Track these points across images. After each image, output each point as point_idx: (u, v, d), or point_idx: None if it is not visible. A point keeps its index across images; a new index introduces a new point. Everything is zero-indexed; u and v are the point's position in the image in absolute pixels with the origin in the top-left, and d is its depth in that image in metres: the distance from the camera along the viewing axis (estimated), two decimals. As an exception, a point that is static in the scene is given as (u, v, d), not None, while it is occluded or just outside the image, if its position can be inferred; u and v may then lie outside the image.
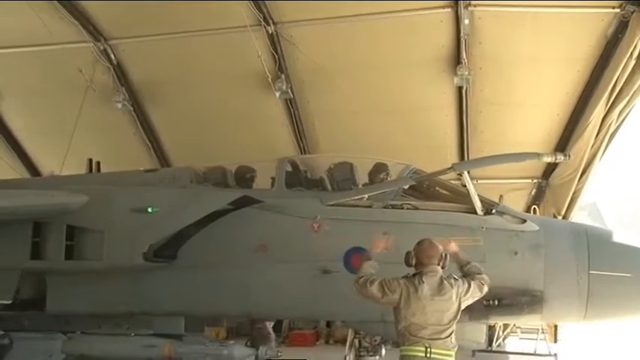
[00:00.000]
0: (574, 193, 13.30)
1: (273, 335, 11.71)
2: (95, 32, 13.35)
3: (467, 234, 6.95)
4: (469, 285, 5.71)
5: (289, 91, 13.29)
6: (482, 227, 7.01)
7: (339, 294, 7.02)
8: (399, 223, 7.25)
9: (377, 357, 7.90)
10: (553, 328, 7.50)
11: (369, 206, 7.47)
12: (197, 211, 7.56)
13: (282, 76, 13.06)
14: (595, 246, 6.90)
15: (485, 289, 5.82)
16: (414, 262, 5.73)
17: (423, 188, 7.89)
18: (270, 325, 12.16)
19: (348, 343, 8.29)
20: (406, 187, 7.72)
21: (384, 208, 7.45)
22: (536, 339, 13.71)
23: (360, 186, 8.03)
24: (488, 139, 13.54)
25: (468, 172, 7.36)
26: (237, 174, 8.65)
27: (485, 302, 6.75)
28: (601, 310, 6.86)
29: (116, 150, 14.69)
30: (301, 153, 14.41)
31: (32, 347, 7.74)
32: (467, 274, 5.88)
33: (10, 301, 8.01)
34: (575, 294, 6.74)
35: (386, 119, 13.63)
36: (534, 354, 13.63)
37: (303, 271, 7.35)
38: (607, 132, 12.23)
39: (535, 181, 14.65)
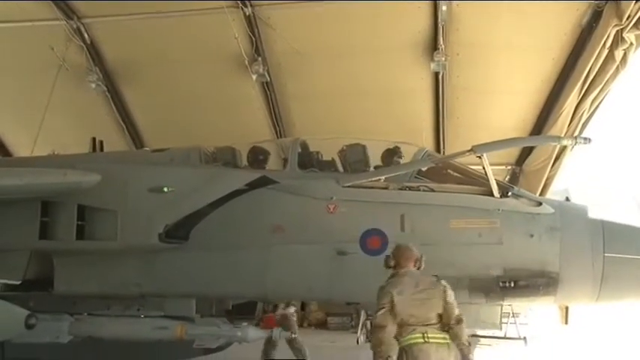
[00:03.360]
0: (547, 180, 13.49)
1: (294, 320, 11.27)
2: (68, 10, 13.04)
3: (484, 216, 6.94)
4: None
5: (266, 74, 13.23)
6: (499, 209, 6.96)
7: (355, 275, 7.06)
8: (416, 205, 7.19)
9: None
10: (564, 310, 7.58)
11: (386, 188, 7.33)
12: (216, 191, 7.40)
13: (259, 58, 12.98)
14: (610, 229, 6.92)
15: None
16: (392, 263, 5.80)
17: (437, 170, 7.77)
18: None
19: (360, 325, 8.23)
20: (424, 168, 7.63)
21: (401, 189, 7.33)
22: (507, 322, 13.95)
23: (372, 168, 7.88)
24: (463, 125, 13.66)
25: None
26: (248, 154, 8.46)
27: (501, 284, 6.81)
28: (614, 292, 6.89)
29: (89, 131, 14.37)
30: (277, 136, 14.36)
31: (39, 328, 7.42)
32: None
33: (19, 282, 7.86)
34: (590, 276, 6.74)
35: (363, 103, 13.65)
36: (504, 337, 13.88)
37: (319, 253, 7.26)
38: (580, 120, 12.39)
39: (509, 167, 14.78)
